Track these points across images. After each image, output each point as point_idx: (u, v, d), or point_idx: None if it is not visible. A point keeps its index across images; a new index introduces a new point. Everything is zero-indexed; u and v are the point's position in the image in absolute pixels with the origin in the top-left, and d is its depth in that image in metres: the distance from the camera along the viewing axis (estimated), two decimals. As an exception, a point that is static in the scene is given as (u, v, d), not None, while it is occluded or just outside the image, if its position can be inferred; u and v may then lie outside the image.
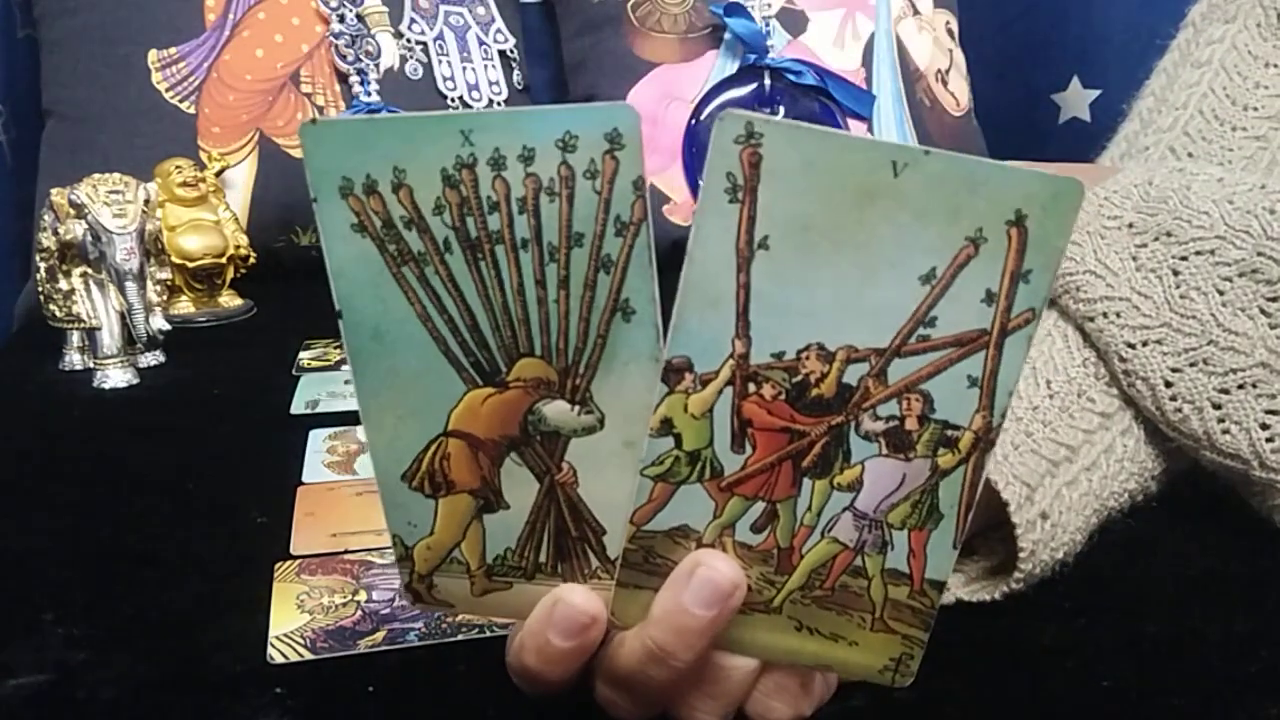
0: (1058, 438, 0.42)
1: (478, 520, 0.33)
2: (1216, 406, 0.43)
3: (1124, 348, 0.44)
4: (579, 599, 0.32)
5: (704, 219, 0.29)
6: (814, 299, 0.30)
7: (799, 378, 0.30)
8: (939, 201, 0.29)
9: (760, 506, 0.32)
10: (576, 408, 0.32)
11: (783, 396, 0.31)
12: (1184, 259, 0.43)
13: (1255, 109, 0.55)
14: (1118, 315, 0.44)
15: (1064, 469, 0.42)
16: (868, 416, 0.31)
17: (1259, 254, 0.42)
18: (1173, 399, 0.43)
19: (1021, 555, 0.40)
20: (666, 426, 0.31)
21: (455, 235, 0.30)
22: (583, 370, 0.31)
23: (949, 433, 0.31)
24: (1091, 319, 0.44)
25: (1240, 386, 0.42)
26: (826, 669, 0.34)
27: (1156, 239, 0.44)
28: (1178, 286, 0.43)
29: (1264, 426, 0.43)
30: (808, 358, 0.30)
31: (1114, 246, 0.45)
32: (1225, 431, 0.43)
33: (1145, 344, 0.43)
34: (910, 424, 0.31)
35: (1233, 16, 0.59)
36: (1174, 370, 0.43)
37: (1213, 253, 0.43)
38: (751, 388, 0.31)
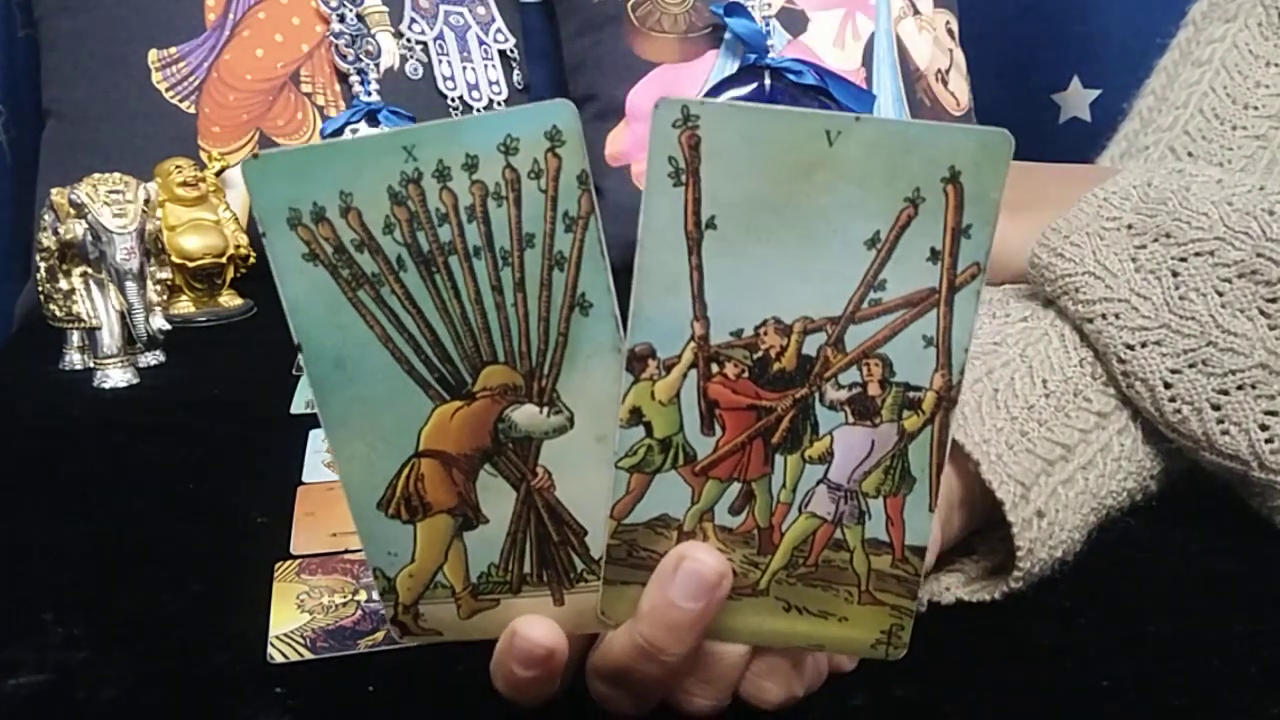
0: (1053, 437, 0.42)
1: (458, 539, 0.33)
2: (1216, 408, 0.43)
3: (1123, 349, 0.44)
4: (536, 633, 0.32)
5: (651, 205, 0.29)
6: (765, 273, 0.30)
7: (760, 354, 0.31)
8: (875, 166, 0.29)
9: (736, 488, 0.32)
10: (545, 409, 0.32)
11: (746, 374, 0.31)
12: (1183, 260, 0.43)
13: (1256, 108, 0.55)
14: (1117, 317, 0.44)
15: (1060, 468, 0.42)
16: (830, 386, 0.31)
17: (1258, 255, 0.42)
18: (1172, 400, 0.43)
19: (1019, 554, 0.40)
20: (636, 416, 0.31)
21: (408, 252, 0.30)
22: (547, 370, 0.31)
23: (911, 394, 0.31)
24: (1090, 320, 0.44)
25: (1239, 387, 0.42)
26: (819, 649, 0.34)
27: (1156, 240, 0.44)
28: (1177, 288, 0.43)
29: (1263, 427, 0.43)
30: (766, 332, 0.31)
31: (1113, 248, 0.45)
32: (1225, 433, 0.43)
33: (1144, 345, 0.43)
34: (873, 389, 0.31)
35: (1233, 15, 0.59)
36: (1173, 371, 0.43)
37: (1212, 254, 0.43)
38: (715, 368, 0.31)
